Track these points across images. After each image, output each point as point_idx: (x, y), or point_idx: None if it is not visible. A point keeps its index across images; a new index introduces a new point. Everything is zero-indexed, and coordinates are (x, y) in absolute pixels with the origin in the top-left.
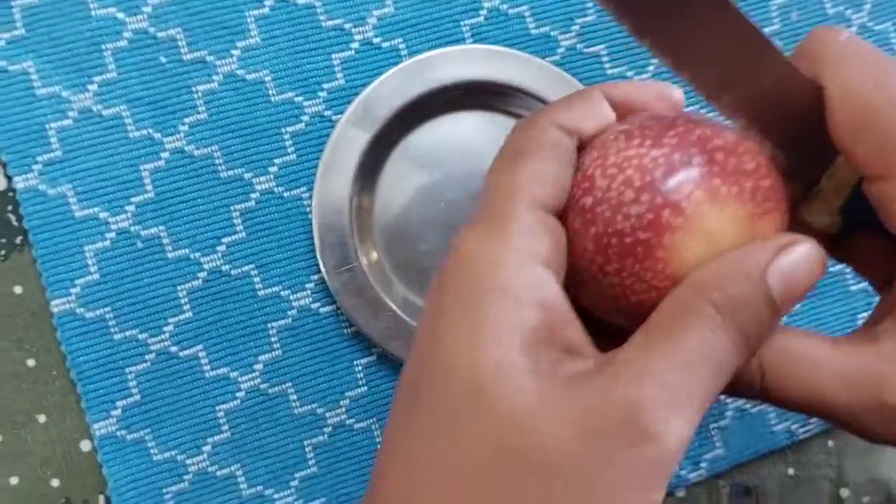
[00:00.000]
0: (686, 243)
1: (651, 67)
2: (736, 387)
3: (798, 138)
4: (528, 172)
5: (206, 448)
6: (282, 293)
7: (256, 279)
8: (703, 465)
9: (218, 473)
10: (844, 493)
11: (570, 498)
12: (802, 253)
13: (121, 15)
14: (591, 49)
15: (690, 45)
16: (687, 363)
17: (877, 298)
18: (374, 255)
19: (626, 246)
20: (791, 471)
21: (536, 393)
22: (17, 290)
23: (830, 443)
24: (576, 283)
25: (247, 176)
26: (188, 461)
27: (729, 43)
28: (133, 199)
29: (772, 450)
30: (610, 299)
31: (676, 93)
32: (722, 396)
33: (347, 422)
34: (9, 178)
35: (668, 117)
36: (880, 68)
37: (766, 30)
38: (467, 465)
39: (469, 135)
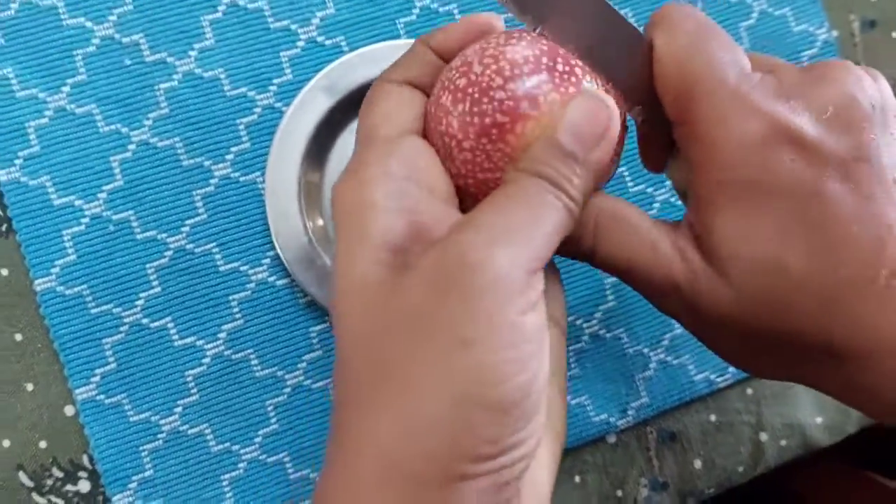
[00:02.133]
0: (534, 132)
1: None
2: (571, 248)
3: (654, 99)
4: (378, 114)
5: (178, 410)
6: (241, 268)
7: (218, 256)
8: (629, 412)
9: (189, 432)
10: (763, 437)
11: (433, 346)
12: (579, 104)
13: (89, 24)
14: None
15: (562, 23)
16: (501, 208)
17: None
18: (320, 221)
19: (485, 126)
20: (713, 417)
21: (389, 283)
22: (4, 272)
23: (749, 391)
24: None
25: (206, 164)
26: (161, 422)
27: (591, 21)
28: (104, 188)
29: (693, 398)
30: (460, 177)
31: (497, 22)
32: (645, 350)
33: (305, 383)
34: None
35: (531, 33)
36: (701, 32)
37: None
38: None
39: None
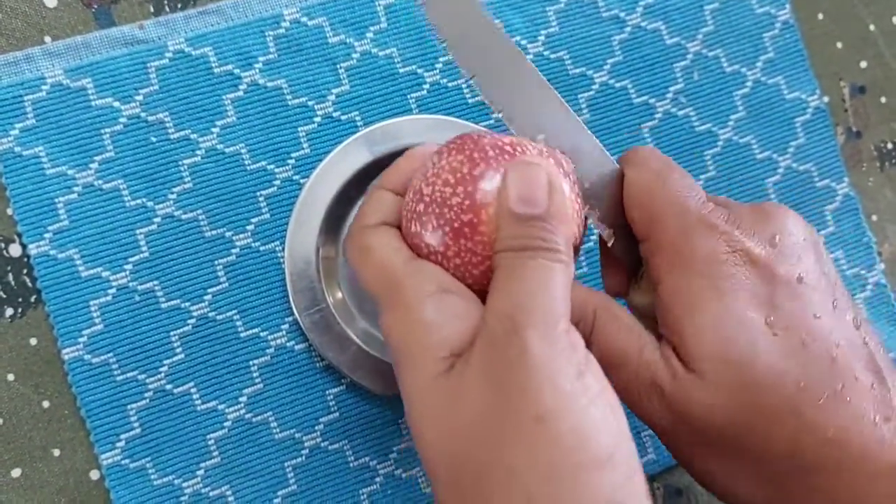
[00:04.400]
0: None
1: None
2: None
3: (623, 226)
4: (378, 253)
5: (200, 472)
6: (261, 334)
7: (238, 323)
8: None
9: (210, 494)
10: None
11: (511, 431)
12: (512, 176)
13: (116, 104)
14: None
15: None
16: (509, 292)
17: None
18: (339, 294)
19: (456, 230)
20: None
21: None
22: (33, 341)
23: None
24: None
25: (228, 234)
26: (184, 484)
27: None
28: (130, 259)
29: None
30: (462, 280)
31: (432, 146)
32: None
33: (322, 444)
34: (24, 246)
35: (458, 137)
36: (666, 168)
37: (671, 88)
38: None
39: None
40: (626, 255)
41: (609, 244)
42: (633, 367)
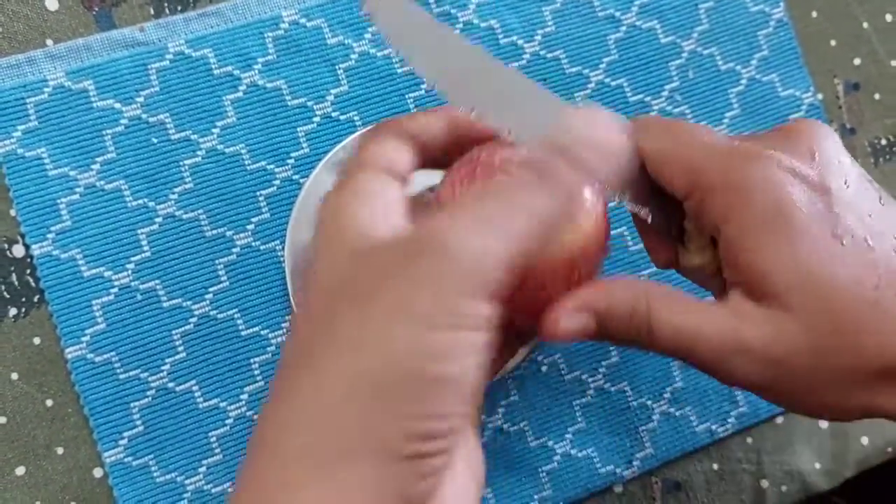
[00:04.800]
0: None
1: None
2: (629, 329)
3: (654, 197)
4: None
5: (202, 469)
6: (261, 332)
7: (239, 321)
8: (635, 463)
9: (213, 491)
10: (764, 483)
11: (382, 312)
12: (578, 112)
13: (118, 105)
14: None
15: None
16: (480, 196)
17: None
18: None
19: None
20: (715, 466)
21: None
22: (37, 340)
23: (749, 440)
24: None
25: (228, 234)
26: (187, 481)
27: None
28: (132, 259)
29: (696, 447)
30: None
31: (463, 118)
32: (648, 402)
33: None
34: (27, 247)
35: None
36: (670, 122)
37: (666, 86)
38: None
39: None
40: (664, 226)
41: (649, 220)
42: (709, 339)
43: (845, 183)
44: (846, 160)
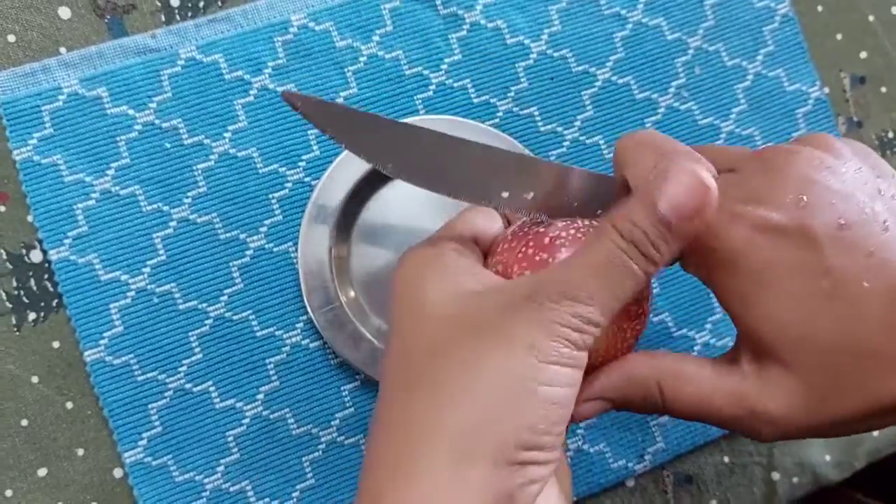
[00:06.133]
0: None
1: (577, 122)
2: (645, 406)
3: None
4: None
5: (220, 468)
6: (276, 333)
7: (254, 322)
8: (647, 457)
9: (231, 489)
10: (775, 476)
11: (501, 349)
12: (677, 176)
13: (131, 111)
14: (526, 111)
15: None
16: (583, 263)
17: None
18: (352, 293)
19: (537, 263)
20: (727, 459)
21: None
22: (56, 344)
23: None
24: None
25: (242, 236)
26: (205, 480)
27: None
28: (148, 263)
29: (707, 441)
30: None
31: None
32: None
33: (338, 439)
34: (44, 252)
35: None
36: (652, 149)
37: (673, 83)
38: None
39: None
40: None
41: None
42: (720, 410)
43: (839, 224)
44: (839, 193)
